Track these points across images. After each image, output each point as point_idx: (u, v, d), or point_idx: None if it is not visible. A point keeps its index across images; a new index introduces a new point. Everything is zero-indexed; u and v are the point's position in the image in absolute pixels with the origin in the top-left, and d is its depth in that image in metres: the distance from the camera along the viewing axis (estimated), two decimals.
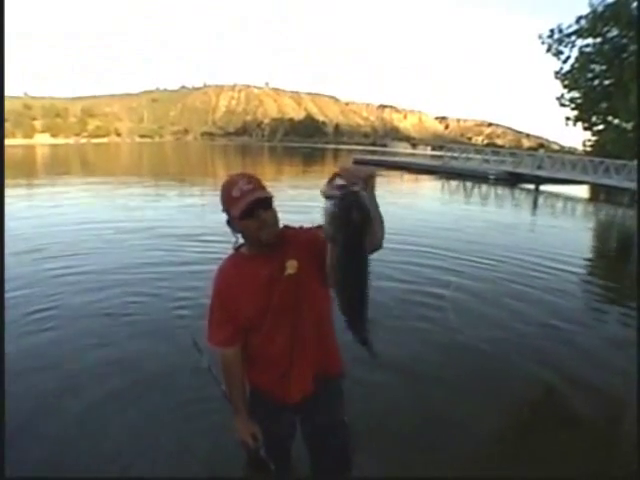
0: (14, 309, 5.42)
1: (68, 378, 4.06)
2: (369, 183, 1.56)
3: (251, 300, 1.99)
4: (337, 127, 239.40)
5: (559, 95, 33.76)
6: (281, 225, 1.98)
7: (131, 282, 6.64)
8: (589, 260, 9.97)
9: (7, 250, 7.29)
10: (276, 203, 1.90)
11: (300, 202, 13.40)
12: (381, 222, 1.68)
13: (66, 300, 5.94)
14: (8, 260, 7.20)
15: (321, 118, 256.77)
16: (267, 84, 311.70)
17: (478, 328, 5.28)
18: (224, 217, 1.91)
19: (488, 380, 4.23)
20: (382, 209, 1.63)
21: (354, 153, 57.93)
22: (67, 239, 9.34)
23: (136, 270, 7.26)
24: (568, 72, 32.45)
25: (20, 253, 7.99)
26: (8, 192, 16.95)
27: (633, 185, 19.20)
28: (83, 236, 9.61)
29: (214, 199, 2.29)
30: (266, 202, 1.88)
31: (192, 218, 11.95)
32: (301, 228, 2.05)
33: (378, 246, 1.69)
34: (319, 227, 1.69)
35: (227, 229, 1.96)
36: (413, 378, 4.12)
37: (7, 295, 5.53)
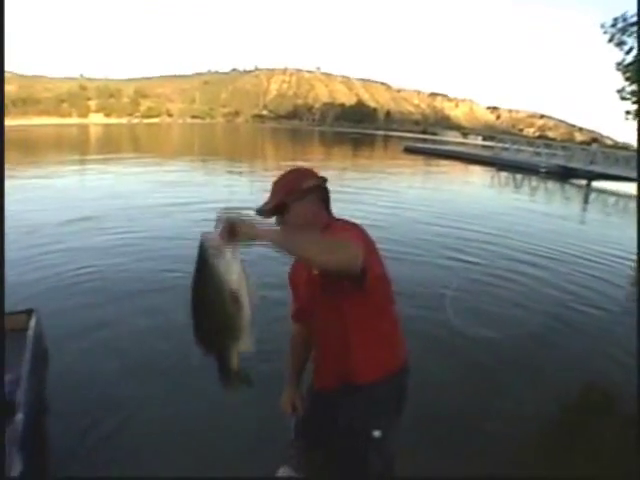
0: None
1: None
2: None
3: (302, 290, 2.17)
4: (388, 114, 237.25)
5: (620, 88, 32.77)
6: (331, 217, 2.07)
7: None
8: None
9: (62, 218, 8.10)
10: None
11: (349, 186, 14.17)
12: (327, 249, 1.68)
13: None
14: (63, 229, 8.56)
15: (372, 104, 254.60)
16: (318, 69, 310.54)
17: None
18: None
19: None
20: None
21: (404, 140, 57.63)
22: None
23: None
24: (631, 64, 31.41)
25: (74, 221, 9.14)
26: (64, 167, 18.24)
27: None
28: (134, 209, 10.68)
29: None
30: (276, 210, 1.98)
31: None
32: (343, 226, 2.00)
33: (347, 268, 1.70)
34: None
35: None
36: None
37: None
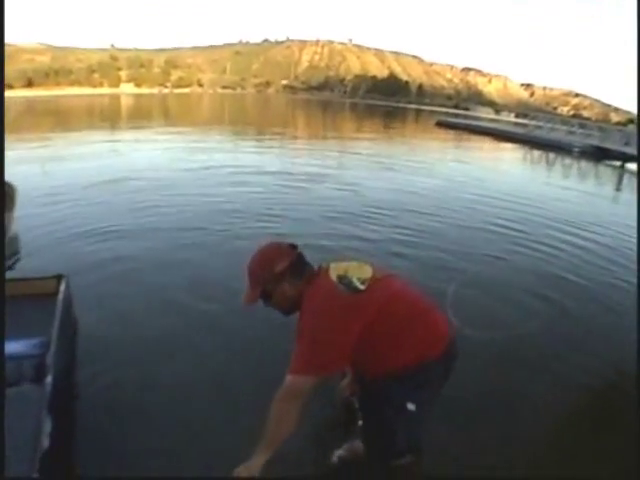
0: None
1: None
2: None
3: None
4: (420, 87, 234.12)
5: None
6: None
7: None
8: None
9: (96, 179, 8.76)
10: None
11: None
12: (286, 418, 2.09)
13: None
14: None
15: (404, 77, 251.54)
16: (350, 41, 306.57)
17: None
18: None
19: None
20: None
21: (436, 115, 57.09)
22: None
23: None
24: None
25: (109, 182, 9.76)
26: (97, 136, 18.52)
27: None
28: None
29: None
30: (261, 297, 2.26)
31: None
32: (309, 310, 2.16)
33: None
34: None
35: None
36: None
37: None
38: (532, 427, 3.25)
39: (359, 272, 2.21)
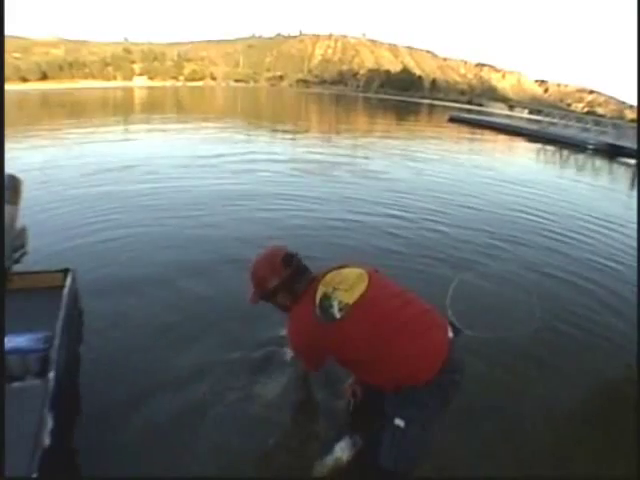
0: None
1: None
2: None
3: None
4: (434, 82, 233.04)
5: None
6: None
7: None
8: None
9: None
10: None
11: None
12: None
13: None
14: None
15: (418, 72, 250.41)
16: (364, 35, 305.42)
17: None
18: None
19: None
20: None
21: (449, 110, 56.87)
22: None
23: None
24: None
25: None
26: (112, 127, 18.66)
27: None
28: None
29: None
30: (263, 300, 2.50)
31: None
32: (287, 328, 2.46)
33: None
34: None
35: None
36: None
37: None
38: (533, 427, 3.22)
39: (345, 294, 2.23)
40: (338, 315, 2.17)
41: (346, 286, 2.25)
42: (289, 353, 3.29)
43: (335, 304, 2.19)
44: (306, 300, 2.29)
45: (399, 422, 2.14)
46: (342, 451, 2.63)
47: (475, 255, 6.41)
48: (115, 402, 3.04)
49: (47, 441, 2.23)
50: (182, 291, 4.62)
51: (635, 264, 6.61)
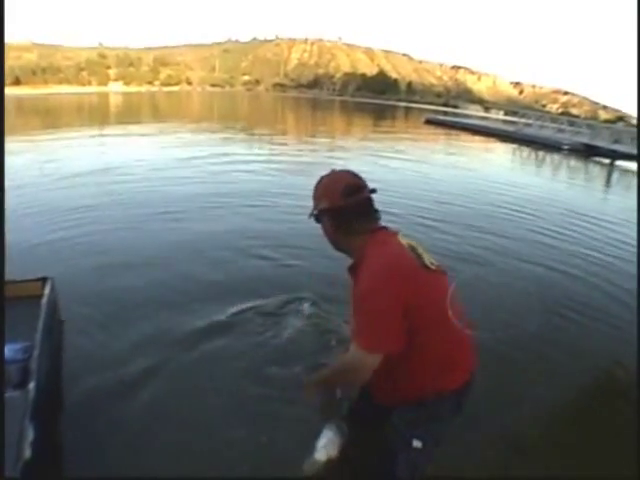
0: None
1: None
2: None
3: None
4: (410, 85, 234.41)
5: None
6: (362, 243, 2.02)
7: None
8: None
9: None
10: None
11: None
12: (340, 378, 2.19)
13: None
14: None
15: (394, 75, 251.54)
16: (340, 38, 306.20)
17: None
18: None
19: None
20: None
21: (426, 112, 57.24)
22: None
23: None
24: None
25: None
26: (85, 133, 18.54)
27: None
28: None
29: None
30: (316, 219, 2.17)
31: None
32: (363, 285, 1.91)
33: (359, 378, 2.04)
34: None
35: None
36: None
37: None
38: (532, 427, 3.23)
39: (428, 255, 2.03)
40: (431, 266, 1.97)
41: (423, 249, 2.06)
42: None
43: (425, 257, 1.99)
44: (392, 242, 2.02)
45: (417, 444, 2.03)
46: (325, 448, 2.48)
47: (466, 248, 6.67)
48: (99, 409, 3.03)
49: (28, 452, 2.19)
50: (157, 289, 4.70)
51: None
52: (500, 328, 4.03)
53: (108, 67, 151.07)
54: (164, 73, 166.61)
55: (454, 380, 2.04)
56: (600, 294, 5.61)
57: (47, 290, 3.55)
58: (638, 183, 14.34)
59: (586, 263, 6.66)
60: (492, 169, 16.97)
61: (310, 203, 2.11)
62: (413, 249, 1.98)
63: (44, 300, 3.40)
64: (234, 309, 4.28)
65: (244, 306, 4.34)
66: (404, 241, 2.02)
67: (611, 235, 8.51)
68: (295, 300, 4.50)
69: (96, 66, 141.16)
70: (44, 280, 3.68)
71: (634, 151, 23.99)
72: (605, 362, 4.25)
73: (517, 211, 9.37)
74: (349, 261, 2.11)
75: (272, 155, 15.04)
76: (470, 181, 12.71)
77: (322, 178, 2.16)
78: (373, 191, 2.11)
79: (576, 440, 3.21)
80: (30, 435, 2.28)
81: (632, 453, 2.95)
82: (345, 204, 2.02)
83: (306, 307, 4.36)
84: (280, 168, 11.89)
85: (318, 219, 2.15)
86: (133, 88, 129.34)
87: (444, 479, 2.72)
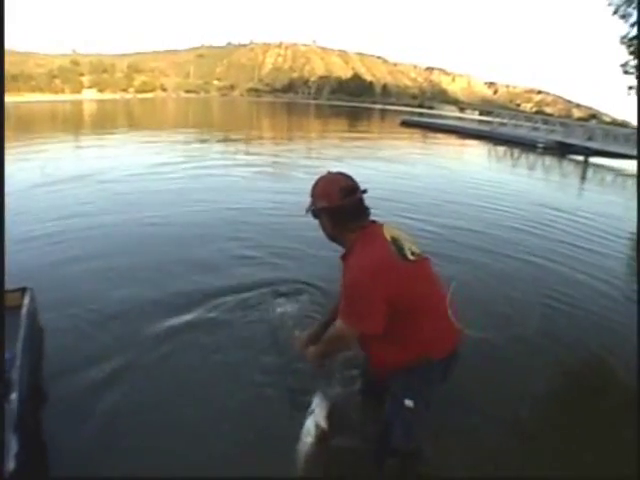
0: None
1: None
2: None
3: None
4: (385, 87, 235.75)
5: (623, 62, 31.64)
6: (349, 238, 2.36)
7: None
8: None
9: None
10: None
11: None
12: (334, 345, 2.47)
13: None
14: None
15: (369, 78, 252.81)
16: (314, 42, 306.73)
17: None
18: None
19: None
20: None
21: (401, 114, 57.48)
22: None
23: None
24: (635, 37, 30.28)
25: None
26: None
27: None
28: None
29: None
30: (314, 213, 2.44)
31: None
32: (351, 276, 2.23)
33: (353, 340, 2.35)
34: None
35: None
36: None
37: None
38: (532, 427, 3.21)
39: (410, 243, 2.30)
40: (411, 257, 2.24)
41: (406, 239, 2.33)
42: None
43: (406, 248, 2.25)
44: (378, 240, 2.28)
45: (409, 403, 2.28)
46: (315, 422, 2.52)
47: (455, 244, 6.83)
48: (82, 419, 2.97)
49: (12, 464, 2.14)
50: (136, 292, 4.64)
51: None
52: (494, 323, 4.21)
53: (81, 74, 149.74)
54: (138, 80, 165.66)
55: (440, 351, 2.33)
56: (583, 284, 5.77)
57: (27, 300, 3.49)
58: (638, 182, 14.63)
59: (566, 254, 6.92)
60: (469, 168, 17.14)
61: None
62: (395, 242, 2.25)
63: (24, 310, 3.35)
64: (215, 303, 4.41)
65: (225, 299, 4.47)
66: (389, 235, 2.28)
67: (590, 226, 8.85)
68: (274, 291, 4.69)
69: (69, 73, 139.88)
70: (23, 290, 3.62)
71: (607, 148, 24.72)
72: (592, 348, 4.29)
73: (495, 207, 9.62)
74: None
75: (247, 160, 14.98)
76: (448, 179, 12.93)
77: (319, 179, 2.43)
78: (364, 192, 2.39)
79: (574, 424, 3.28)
80: (14, 447, 2.24)
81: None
82: (342, 204, 2.29)
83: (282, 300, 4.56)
84: (254, 171, 11.98)
85: (316, 215, 2.42)
86: (107, 95, 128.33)
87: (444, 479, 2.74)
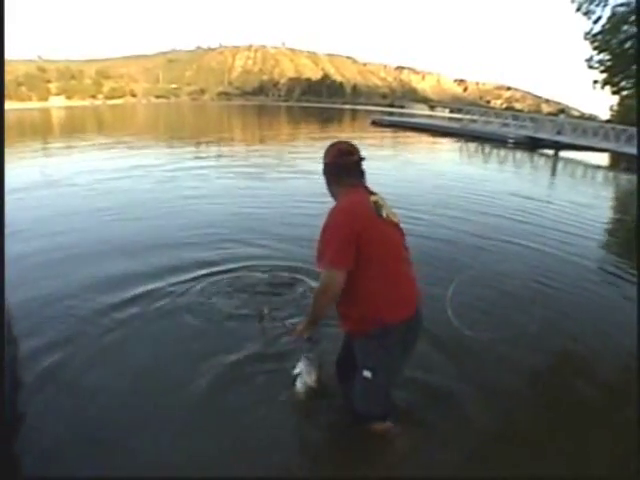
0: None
1: None
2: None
3: None
4: (355, 88, 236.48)
5: (588, 57, 32.30)
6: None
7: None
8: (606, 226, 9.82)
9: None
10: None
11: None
12: (320, 301, 2.52)
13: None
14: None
15: (339, 78, 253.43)
16: (283, 44, 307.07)
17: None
18: None
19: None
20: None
21: (372, 114, 57.59)
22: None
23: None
24: (599, 33, 30.93)
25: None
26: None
27: None
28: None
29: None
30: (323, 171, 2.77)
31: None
32: (329, 218, 2.49)
33: (338, 290, 2.41)
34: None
35: None
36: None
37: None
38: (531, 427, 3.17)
39: (389, 211, 2.60)
40: (386, 218, 2.53)
41: (389, 208, 2.62)
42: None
43: (383, 212, 2.53)
44: (361, 194, 2.59)
45: (367, 374, 2.51)
46: (305, 381, 2.90)
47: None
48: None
49: None
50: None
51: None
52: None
53: (48, 81, 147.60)
54: (107, 86, 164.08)
55: (397, 315, 2.48)
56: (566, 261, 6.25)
57: None
58: (638, 181, 14.87)
59: (545, 235, 7.46)
60: (441, 163, 17.51)
61: None
62: (375, 203, 2.54)
63: None
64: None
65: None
66: (373, 198, 2.57)
67: (565, 212, 9.37)
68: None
69: (36, 80, 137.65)
70: None
71: (576, 141, 25.08)
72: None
73: (471, 196, 10.10)
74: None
75: (218, 163, 15.04)
76: (422, 175, 13.21)
77: (329, 145, 2.75)
78: (362, 158, 2.68)
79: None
80: None
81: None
82: (335, 161, 2.65)
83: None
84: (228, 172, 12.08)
85: (323, 172, 2.73)
86: (76, 102, 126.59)
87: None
